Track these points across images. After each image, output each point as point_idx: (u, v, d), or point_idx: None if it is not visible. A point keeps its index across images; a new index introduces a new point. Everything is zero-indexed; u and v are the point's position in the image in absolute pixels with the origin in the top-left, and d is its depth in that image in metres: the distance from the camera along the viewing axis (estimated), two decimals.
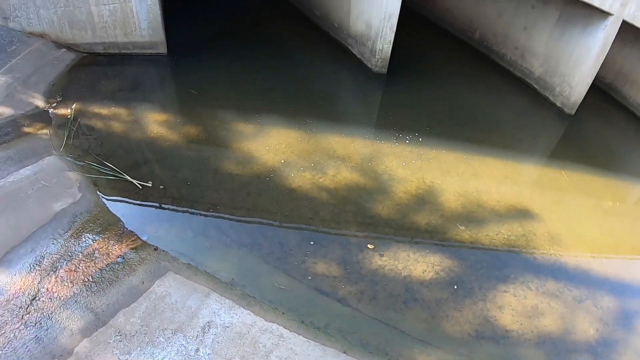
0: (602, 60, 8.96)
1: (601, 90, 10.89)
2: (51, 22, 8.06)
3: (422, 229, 5.69)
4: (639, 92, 10.42)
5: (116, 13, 8.13)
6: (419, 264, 5.20)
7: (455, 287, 5.04)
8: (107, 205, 5.28)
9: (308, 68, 9.55)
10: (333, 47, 10.53)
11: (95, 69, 8.16)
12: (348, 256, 5.15)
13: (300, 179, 6.10)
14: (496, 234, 5.89)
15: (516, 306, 4.98)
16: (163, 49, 8.79)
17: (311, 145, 6.84)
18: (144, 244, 4.81)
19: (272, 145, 6.71)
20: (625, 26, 8.85)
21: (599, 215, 6.80)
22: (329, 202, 5.82)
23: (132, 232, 4.95)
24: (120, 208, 5.29)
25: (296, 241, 5.25)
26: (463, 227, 5.84)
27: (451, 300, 4.88)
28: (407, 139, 7.36)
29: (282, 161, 6.38)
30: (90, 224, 4.90)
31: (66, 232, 4.70)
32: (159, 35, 8.60)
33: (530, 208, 6.50)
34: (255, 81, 8.61)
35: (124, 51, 8.62)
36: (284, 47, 10.34)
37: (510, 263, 5.56)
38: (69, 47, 8.36)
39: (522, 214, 6.35)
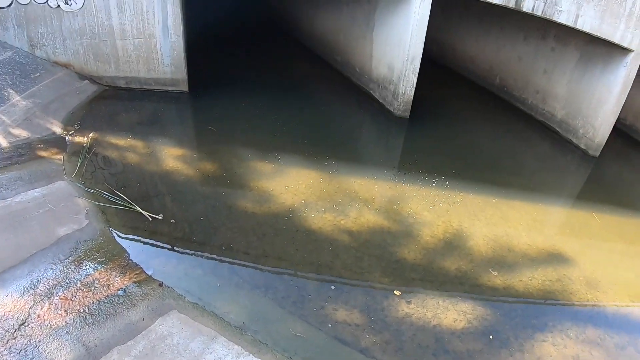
0: (624, 99, 8.83)
1: (622, 132, 10.73)
2: (76, 53, 8.12)
3: (451, 275, 5.24)
4: None
5: (140, 48, 8.15)
6: (449, 312, 4.73)
7: (491, 337, 4.55)
8: (114, 235, 4.99)
9: (329, 111, 9.45)
10: (354, 91, 10.47)
11: (115, 102, 8.16)
12: (372, 303, 4.71)
13: (321, 220, 5.75)
14: (530, 279, 5.47)
15: (556, 356, 4.50)
16: (184, 87, 8.76)
17: (332, 186, 6.52)
18: (149, 279, 4.45)
19: (292, 185, 6.41)
20: None
21: (634, 258, 6.47)
22: (351, 245, 5.43)
23: (137, 264, 4.61)
24: (127, 239, 4.99)
25: (315, 285, 4.83)
26: (495, 273, 5.40)
27: (486, 351, 4.38)
28: (432, 182, 7.05)
29: (302, 201, 6.06)
30: (93, 253, 4.60)
31: (67, 258, 4.41)
32: (181, 73, 8.59)
33: (563, 252, 6.13)
34: (276, 121, 8.49)
35: (145, 87, 8.62)
36: (305, 89, 10.31)
37: (547, 310, 5.11)
38: (92, 79, 8.39)
39: (555, 258, 5.97)
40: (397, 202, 6.40)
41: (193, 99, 8.76)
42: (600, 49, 8.98)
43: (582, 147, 9.50)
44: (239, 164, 6.79)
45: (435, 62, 13.76)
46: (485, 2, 8.61)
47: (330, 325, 4.34)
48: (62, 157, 6.14)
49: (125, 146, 6.78)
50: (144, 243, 5.01)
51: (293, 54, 13.01)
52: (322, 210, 5.94)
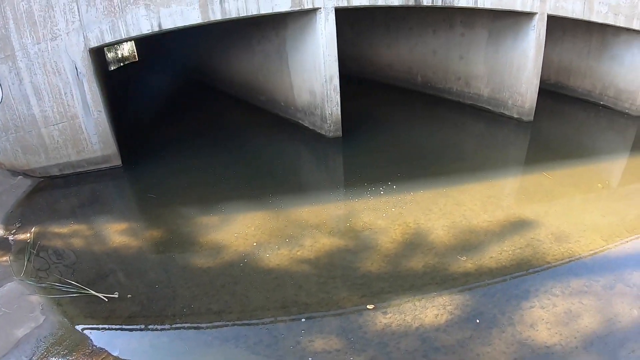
0: (541, 59, 9.36)
1: (549, 92, 11.24)
2: (4, 150, 7.90)
3: (420, 273, 5.19)
4: (584, 80, 10.73)
5: (66, 132, 7.95)
6: (428, 310, 4.65)
7: (477, 321, 4.47)
8: (73, 324, 4.73)
9: (264, 149, 9.45)
10: (285, 124, 10.55)
11: (52, 191, 7.96)
12: (347, 324, 4.57)
13: (277, 257, 5.63)
14: (499, 253, 5.50)
15: (548, 318, 4.47)
16: (117, 161, 8.57)
17: (281, 221, 6.44)
18: None
19: (241, 231, 6.28)
20: (552, 23, 9.17)
21: (594, 200, 6.82)
22: (312, 273, 5.32)
23: (101, 349, 4.38)
24: (86, 326, 4.74)
25: (285, 323, 4.67)
26: (464, 258, 5.40)
27: (476, 336, 4.30)
28: (380, 191, 7.08)
29: (254, 244, 5.94)
30: (56, 347, 4.36)
31: (30, 359, 4.17)
32: (111, 148, 8.41)
33: (525, 217, 6.27)
34: (214, 173, 8.41)
35: (79, 170, 8.38)
36: (238, 135, 10.30)
37: (525, 278, 5.12)
38: (25, 173, 8.16)
39: (518, 225, 6.06)
40: (349, 219, 6.36)
41: (129, 171, 8.61)
42: (507, 21, 9.38)
43: (516, 116, 9.86)
44: (184, 223, 6.64)
45: (357, 77, 14.05)
46: (386, 7, 8.87)
47: (310, 359, 4.18)
48: (7, 258, 5.89)
49: (70, 233, 6.55)
50: (105, 325, 4.77)
51: (221, 104, 13.16)
52: (275, 247, 5.82)
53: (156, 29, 7.50)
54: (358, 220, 6.27)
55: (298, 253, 5.66)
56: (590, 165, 8.26)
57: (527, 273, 5.21)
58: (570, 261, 5.35)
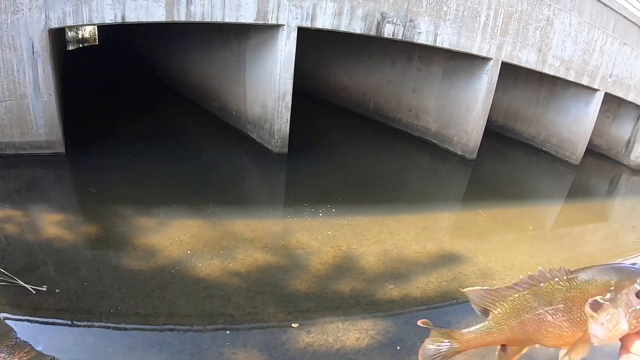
0: (490, 102, 9.86)
1: (495, 132, 11.73)
2: None
3: (347, 296, 5.41)
4: (530, 126, 11.35)
5: (12, 110, 7.71)
6: (350, 333, 4.86)
7: (398, 347, 4.72)
8: None
9: (210, 157, 9.52)
10: (234, 134, 10.64)
11: None
12: (270, 340, 4.73)
13: (209, 267, 5.73)
14: (426, 284, 5.79)
15: None
16: (61, 149, 8.36)
17: (218, 232, 6.55)
18: (39, 355, 4.20)
19: (176, 237, 6.35)
20: (506, 69, 9.69)
21: (523, 241, 7.40)
22: (242, 286, 5.46)
23: (25, 342, 4.33)
24: (12, 317, 4.68)
25: (210, 334, 4.79)
26: (391, 286, 5.64)
27: None
28: (319, 212, 7.28)
29: (188, 252, 6.02)
30: None
31: None
32: (56, 134, 8.21)
33: (455, 251, 6.61)
34: (157, 175, 8.41)
35: (21, 152, 8.10)
36: (185, 139, 10.34)
37: (448, 309, 5.47)
38: None
39: (447, 259, 6.41)
40: (284, 237, 6.56)
41: (72, 161, 8.47)
42: (462, 62, 9.85)
43: (459, 153, 10.31)
44: (121, 223, 6.63)
45: (312, 96, 14.31)
46: (348, 33, 9.16)
47: None
48: None
49: (3, 217, 6.39)
50: (31, 318, 4.74)
51: (175, 105, 13.07)
52: (209, 257, 5.93)
53: (119, 20, 7.49)
54: (292, 239, 6.48)
55: (230, 265, 5.78)
56: (525, 207, 8.79)
57: (450, 305, 5.51)
58: None
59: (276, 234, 6.64)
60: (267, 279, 5.58)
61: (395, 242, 6.59)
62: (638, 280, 0.83)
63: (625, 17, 14.48)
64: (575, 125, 13.09)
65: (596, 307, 0.83)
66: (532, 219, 8.48)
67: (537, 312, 0.94)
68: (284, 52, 8.80)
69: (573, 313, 0.88)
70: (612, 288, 0.84)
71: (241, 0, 8.19)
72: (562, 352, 0.93)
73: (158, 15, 7.71)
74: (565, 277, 0.92)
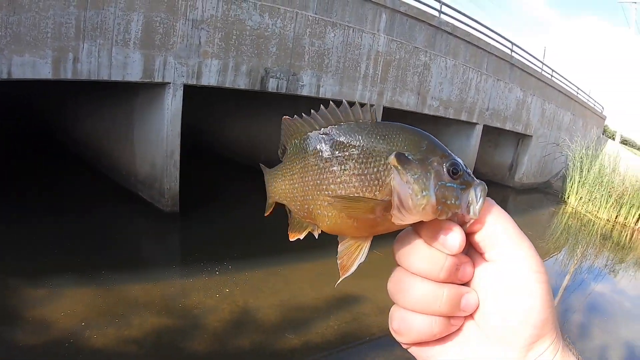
0: None
1: None
2: None
3: (247, 351, 5.68)
4: None
5: None
6: None
7: None
8: None
9: (101, 220, 9.41)
10: (125, 195, 10.61)
11: None
12: None
13: (104, 337, 5.77)
14: (325, 328, 6.15)
15: None
16: None
17: (111, 299, 6.57)
18: None
19: (69, 308, 6.30)
20: (389, 114, 10.58)
21: None
22: (139, 353, 5.57)
23: None
24: None
25: None
26: (291, 335, 5.91)
27: None
28: (216, 270, 7.45)
29: (82, 323, 6.01)
30: None
31: None
32: None
33: (352, 293, 6.99)
34: (46, 241, 8.17)
35: None
36: (76, 202, 10.11)
37: (350, 349, 5.76)
38: None
39: (345, 301, 6.81)
40: (180, 298, 6.72)
41: None
42: None
43: None
44: (9, 295, 6.44)
45: (205, 151, 14.48)
46: (234, 89, 9.56)
47: None
48: None
49: None
50: None
51: (63, 164, 12.62)
52: (104, 326, 5.96)
53: (4, 76, 7.39)
54: (188, 300, 6.65)
55: (126, 333, 5.84)
56: None
57: (352, 346, 5.86)
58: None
59: (172, 295, 6.77)
60: (165, 343, 5.70)
61: (291, 292, 6.91)
62: (450, 157, 0.73)
63: (496, 55, 16.07)
64: (461, 158, 14.20)
65: (403, 161, 0.68)
66: None
67: (323, 157, 0.74)
68: (170, 110, 9.04)
69: (369, 168, 0.71)
70: (424, 149, 0.71)
71: (127, 59, 8.40)
72: (341, 246, 0.81)
73: (44, 72, 7.71)
74: (370, 121, 0.74)
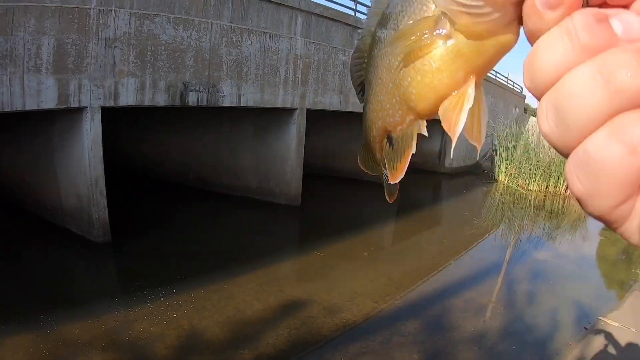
0: (303, 149, 10.69)
1: (319, 175, 12.67)
2: None
3: None
4: (347, 162, 12.61)
5: None
6: None
7: None
8: None
9: (31, 260, 8.93)
10: (53, 231, 10.13)
11: None
12: None
13: None
14: (276, 338, 6.16)
15: None
16: None
17: (52, 343, 6.26)
18: None
19: (7, 358, 5.90)
20: (315, 115, 10.71)
21: (362, 268, 8.12)
22: None
23: None
24: None
25: None
26: (243, 350, 5.82)
27: None
28: (160, 296, 7.23)
29: None
30: None
31: None
32: None
33: (297, 297, 7.03)
34: None
35: None
36: (1, 245, 9.44)
37: (303, 355, 5.80)
38: None
39: (292, 307, 6.85)
40: (124, 330, 6.46)
41: None
42: (271, 117, 10.53)
43: (284, 202, 10.97)
44: None
45: (133, 173, 14.12)
46: (153, 107, 9.31)
47: None
48: None
49: None
50: None
51: None
52: None
53: None
54: (133, 330, 6.41)
55: None
56: (358, 236, 9.57)
57: (304, 351, 5.81)
58: (345, 329, 6.14)
59: (115, 328, 6.51)
60: None
61: (236, 306, 6.81)
62: None
63: None
64: None
65: None
66: (367, 245, 9.27)
67: (381, 39, 0.63)
68: (89, 135, 8.71)
69: (414, 6, 0.55)
70: None
71: (41, 86, 8.02)
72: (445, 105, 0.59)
73: None
74: None
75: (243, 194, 12.20)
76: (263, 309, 6.76)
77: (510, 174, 20.67)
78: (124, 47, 8.93)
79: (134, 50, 9.07)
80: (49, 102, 8.21)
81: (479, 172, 22.97)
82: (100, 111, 8.78)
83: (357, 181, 14.36)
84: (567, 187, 13.57)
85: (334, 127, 14.85)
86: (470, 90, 0.59)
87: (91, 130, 8.73)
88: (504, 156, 21.05)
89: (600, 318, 6.94)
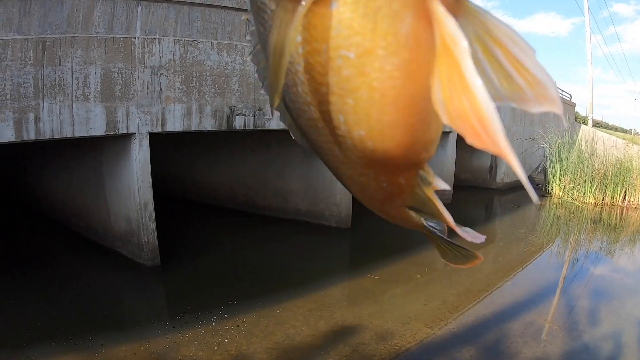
0: None
1: None
2: None
3: None
4: None
5: None
6: None
7: None
8: None
9: (82, 284, 9.05)
10: (104, 254, 10.27)
11: None
12: None
13: None
14: None
15: None
16: None
17: None
18: None
19: None
20: None
21: (414, 291, 7.81)
22: None
23: None
24: None
25: None
26: None
27: None
28: (205, 320, 7.14)
29: None
30: None
31: None
32: None
33: (348, 323, 6.81)
34: (29, 313, 7.70)
35: None
36: (55, 268, 9.74)
37: None
38: None
39: (342, 333, 6.64)
40: (171, 354, 6.39)
41: None
42: None
43: (334, 225, 10.72)
44: None
45: (181, 199, 14.28)
46: (200, 132, 9.37)
47: None
48: None
49: None
50: None
51: (38, 230, 12.26)
52: None
53: None
54: (180, 355, 6.32)
55: None
56: (410, 257, 9.21)
57: None
58: (397, 356, 5.87)
59: (162, 352, 6.45)
60: None
61: (285, 332, 6.65)
62: None
63: None
64: (438, 169, 14.21)
65: None
66: (419, 267, 8.95)
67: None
68: (138, 160, 8.82)
69: None
70: None
71: (89, 113, 8.22)
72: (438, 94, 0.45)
73: (7, 135, 7.44)
74: None
75: (292, 217, 12.12)
76: (313, 335, 6.57)
77: (565, 186, 19.83)
78: (169, 74, 9.05)
79: (180, 76, 9.18)
80: (98, 129, 8.37)
81: (532, 186, 22.14)
82: (148, 137, 8.90)
83: None
84: (624, 198, 13.04)
85: None
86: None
87: (140, 156, 8.84)
88: (557, 168, 20.24)
89: None
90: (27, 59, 7.48)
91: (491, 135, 0.44)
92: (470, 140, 0.44)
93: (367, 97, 0.42)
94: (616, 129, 43.02)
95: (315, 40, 0.45)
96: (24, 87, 7.48)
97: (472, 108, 0.42)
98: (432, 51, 0.41)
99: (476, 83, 0.41)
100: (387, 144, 0.44)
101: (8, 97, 7.30)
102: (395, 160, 0.47)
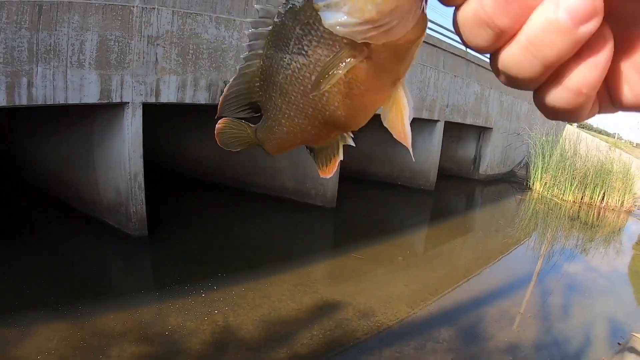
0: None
1: (353, 178, 12.74)
2: None
3: None
4: (383, 165, 12.46)
5: None
6: None
7: None
8: None
9: (69, 252, 9.09)
10: (91, 223, 10.25)
11: None
12: None
13: None
14: (310, 338, 6.04)
15: None
16: None
17: (87, 331, 6.32)
18: None
19: (43, 346, 5.98)
20: None
21: (397, 272, 7.93)
22: None
23: None
24: None
25: None
26: (278, 350, 5.79)
27: None
28: (193, 290, 7.23)
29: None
30: None
31: None
32: None
33: (332, 299, 6.97)
34: (13, 279, 7.68)
35: None
36: (41, 236, 9.75)
37: (337, 356, 5.77)
38: None
39: (326, 308, 6.79)
40: (158, 323, 6.49)
41: None
42: None
43: (319, 204, 10.87)
44: None
45: (169, 171, 14.26)
46: (194, 104, 9.39)
47: None
48: None
49: None
50: None
51: (24, 197, 12.21)
52: None
53: None
54: (167, 324, 6.42)
55: None
56: (393, 240, 9.47)
57: (338, 353, 5.75)
58: (379, 333, 6.08)
59: (150, 321, 6.54)
60: None
61: (271, 305, 6.78)
62: None
63: (452, 52, 16.30)
64: (424, 156, 14.43)
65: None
66: (402, 249, 9.17)
67: (285, 64, 0.62)
68: (130, 130, 8.80)
69: (320, 31, 0.55)
70: None
71: (83, 80, 8.14)
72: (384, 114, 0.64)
73: None
74: None
75: (278, 195, 12.23)
76: (298, 309, 6.71)
77: (545, 182, 20.23)
78: (166, 45, 9.00)
79: (176, 48, 9.15)
80: (91, 96, 8.31)
81: (514, 180, 22.56)
82: (141, 107, 8.87)
83: (392, 185, 14.35)
84: (602, 199, 13.32)
85: (368, 130, 14.72)
86: (402, 94, 0.62)
87: (132, 126, 8.82)
88: (540, 164, 20.61)
89: (634, 334, 6.69)
90: (23, 22, 7.35)
91: (406, 138, 0.64)
92: (396, 137, 0.65)
93: (347, 100, 0.63)
94: (600, 132, 44.03)
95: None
96: (18, 51, 7.36)
97: (401, 124, 0.63)
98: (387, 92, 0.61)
99: (406, 115, 0.62)
100: (344, 119, 0.65)
101: (1, 60, 7.18)
102: (342, 127, 0.70)
